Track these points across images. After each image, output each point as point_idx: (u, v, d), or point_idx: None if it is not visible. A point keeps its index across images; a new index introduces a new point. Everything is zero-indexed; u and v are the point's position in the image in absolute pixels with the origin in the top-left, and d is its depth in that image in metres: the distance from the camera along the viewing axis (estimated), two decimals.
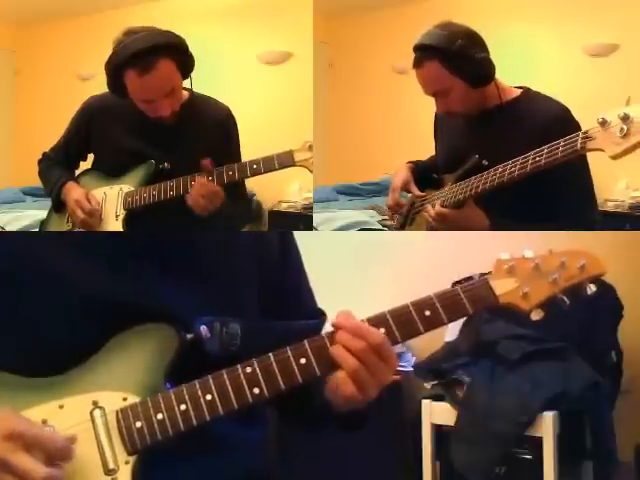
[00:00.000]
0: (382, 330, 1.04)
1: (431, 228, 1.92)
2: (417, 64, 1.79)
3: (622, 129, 1.37)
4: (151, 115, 1.85)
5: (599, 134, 1.41)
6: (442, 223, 1.81)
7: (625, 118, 1.36)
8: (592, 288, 1.07)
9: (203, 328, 1.07)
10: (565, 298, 1.05)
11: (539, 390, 2.63)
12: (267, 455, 1.20)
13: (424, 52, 1.76)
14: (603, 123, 1.40)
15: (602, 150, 1.41)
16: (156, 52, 1.73)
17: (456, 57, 1.73)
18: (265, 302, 1.21)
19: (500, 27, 4.32)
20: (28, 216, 4.17)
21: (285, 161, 1.75)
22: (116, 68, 1.77)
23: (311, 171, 1.76)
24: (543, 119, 1.74)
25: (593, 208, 1.84)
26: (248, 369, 1.02)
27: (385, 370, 1.04)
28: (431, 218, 1.83)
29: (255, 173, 1.77)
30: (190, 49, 1.82)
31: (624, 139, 1.37)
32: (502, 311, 2.71)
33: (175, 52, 1.77)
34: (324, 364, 1.03)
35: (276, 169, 1.76)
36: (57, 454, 0.94)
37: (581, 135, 1.46)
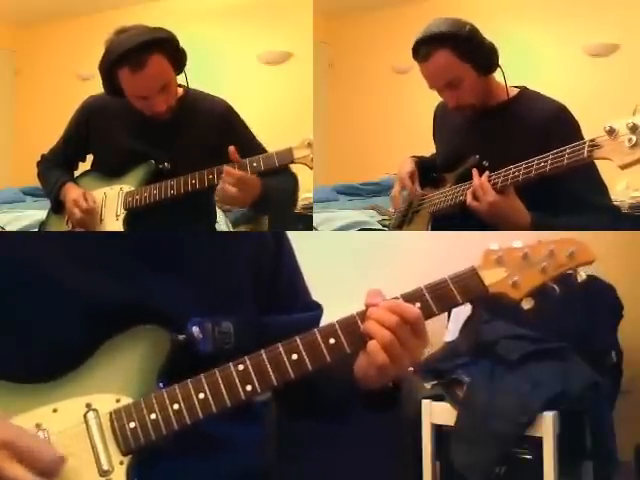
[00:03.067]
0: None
1: (431, 226, 1.92)
2: (425, 57, 1.76)
3: (631, 139, 1.35)
4: (147, 112, 1.85)
5: (607, 143, 1.39)
6: (482, 200, 1.66)
7: (634, 128, 1.34)
8: (583, 275, 1.07)
9: (195, 329, 1.07)
10: (555, 286, 1.06)
11: (539, 390, 2.63)
12: (265, 453, 1.21)
13: (434, 42, 1.73)
14: (611, 132, 1.38)
15: (610, 159, 1.39)
16: (146, 49, 1.74)
17: (466, 42, 1.71)
18: (260, 300, 1.21)
19: (500, 27, 4.31)
20: (28, 216, 4.16)
21: (284, 158, 1.75)
22: (108, 68, 1.78)
23: (311, 168, 1.75)
24: (541, 117, 1.73)
25: (607, 198, 1.79)
26: (240, 366, 1.02)
27: (417, 344, 1.05)
28: (471, 193, 1.69)
29: (255, 171, 1.76)
30: (183, 45, 1.82)
31: (633, 149, 1.35)
32: (502, 311, 2.70)
33: (166, 47, 1.78)
34: (316, 359, 1.03)
35: (276, 166, 1.76)
36: (47, 468, 0.94)
37: (588, 143, 1.44)
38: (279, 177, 1.86)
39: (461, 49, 1.72)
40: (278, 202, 1.89)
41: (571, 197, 1.70)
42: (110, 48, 1.77)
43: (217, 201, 1.76)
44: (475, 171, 1.70)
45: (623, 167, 1.38)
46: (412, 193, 2.02)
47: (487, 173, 1.68)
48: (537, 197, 1.65)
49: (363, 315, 1.06)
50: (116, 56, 1.75)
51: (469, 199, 1.69)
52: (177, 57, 1.82)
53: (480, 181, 1.67)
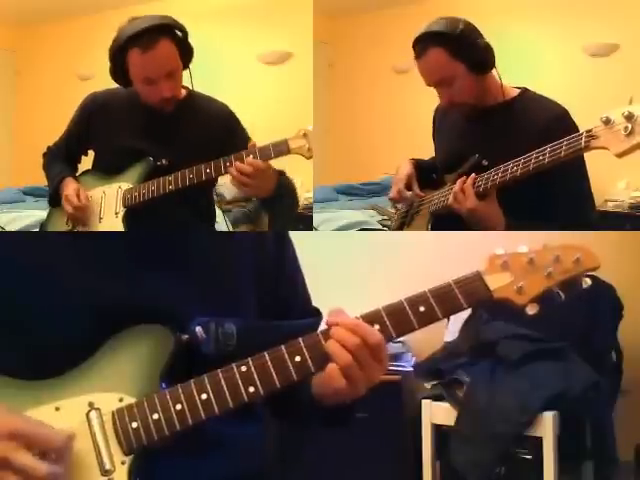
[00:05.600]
0: (376, 327, 1.04)
1: (431, 227, 1.92)
2: (420, 54, 1.80)
3: (627, 127, 1.37)
4: (153, 100, 1.87)
5: (603, 133, 1.41)
6: (462, 205, 1.73)
7: (629, 117, 1.37)
8: (587, 282, 1.06)
9: (198, 329, 1.07)
10: (560, 292, 1.05)
11: (539, 390, 2.63)
12: (266, 453, 1.20)
13: (427, 40, 1.77)
14: (607, 122, 1.40)
15: (606, 148, 1.41)
16: (157, 31, 1.79)
17: (459, 42, 1.74)
18: (262, 302, 1.21)
19: (500, 27, 4.31)
20: (28, 216, 4.16)
21: (280, 149, 1.76)
22: (119, 49, 1.82)
23: (307, 158, 1.76)
24: (542, 120, 1.74)
25: (590, 210, 1.83)
26: (243, 368, 1.02)
27: (376, 368, 1.04)
28: (453, 195, 1.75)
29: None
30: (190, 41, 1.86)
31: (628, 137, 1.37)
32: (502, 311, 2.71)
33: (175, 36, 1.82)
34: (319, 361, 1.03)
35: (272, 158, 1.77)
36: (56, 452, 0.95)
37: (585, 134, 1.46)
38: (284, 179, 1.88)
39: (453, 48, 1.75)
40: (288, 202, 1.90)
41: (555, 207, 1.73)
42: (122, 30, 1.82)
43: (236, 187, 1.78)
44: (462, 178, 1.74)
45: (619, 155, 1.40)
46: (411, 195, 2.04)
47: (473, 176, 1.72)
48: (522, 203, 1.69)
49: (326, 334, 1.05)
50: (127, 37, 1.79)
51: (451, 200, 1.75)
52: (185, 48, 1.86)
53: (463, 186, 1.72)
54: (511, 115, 1.82)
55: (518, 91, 1.86)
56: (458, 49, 1.74)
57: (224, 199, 4.43)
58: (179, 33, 1.84)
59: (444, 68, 1.77)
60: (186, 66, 1.89)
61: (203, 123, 1.94)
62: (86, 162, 2.15)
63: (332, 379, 1.04)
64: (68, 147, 2.11)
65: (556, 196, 1.73)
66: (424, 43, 1.78)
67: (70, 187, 1.96)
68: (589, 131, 1.45)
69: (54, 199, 2.02)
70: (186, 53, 1.87)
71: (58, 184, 1.99)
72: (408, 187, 2.05)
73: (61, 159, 2.09)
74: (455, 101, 1.83)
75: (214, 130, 1.94)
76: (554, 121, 1.73)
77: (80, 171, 2.12)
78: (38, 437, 0.94)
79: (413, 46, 1.81)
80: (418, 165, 2.11)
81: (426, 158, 2.18)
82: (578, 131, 1.70)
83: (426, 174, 2.07)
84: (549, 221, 1.73)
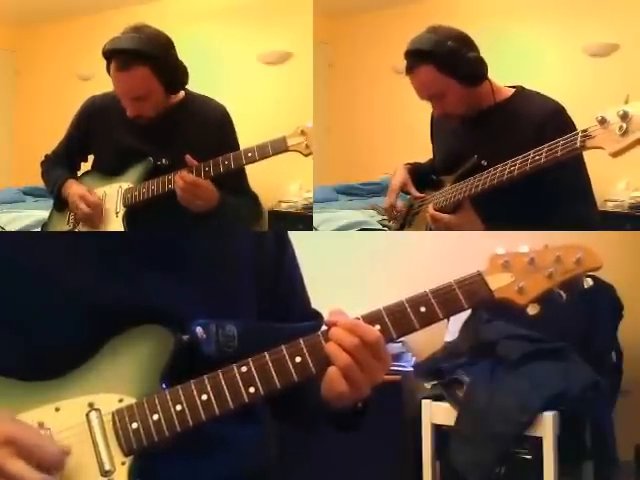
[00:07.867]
0: (377, 327, 1.04)
1: (430, 228, 1.92)
2: (410, 70, 1.81)
3: (621, 127, 1.37)
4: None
5: (598, 132, 1.42)
6: (438, 226, 1.82)
7: (624, 116, 1.37)
8: (589, 282, 1.06)
9: (199, 330, 1.06)
10: (562, 293, 1.05)
11: (539, 390, 2.63)
12: (266, 454, 1.20)
13: (416, 57, 1.78)
14: (602, 121, 1.40)
15: (602, 148, 1.42)
16: (134, 57, 1.80)
17: (448, 59, 1.74)
18: (261, 303, 1.21)
19: (500, 27, 4.31)
20: (28, 216, 4.16)
21: (278, 147, 1.78)
22: (104, 55, 1.86)
23: (305, 155, 1.78)
24: (538, 116, 1.75)
25: (590, 207, 1.83)
26: (243, 368, 1.02)
27: (378, 368, 1.04)
28: (429, 220, 1.84)
29: (250, 161, 1.80)
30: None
31: (623, 137, 1.37)
32: (502, 311, 2.72)
33: (156, 65, 1.82)
34: (319, 362, 1.03)
35: (270, 155, 1.79)
36: (50, 463, 0.94)
37: (580, 133, 1.46)
38: (240, 196, 1.94)
39: (442, 65, 1.75)
40: (234, 217, 1.92)
41: (551, 205, 1.74)
42: (114, 39, 1.84)
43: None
44: (430, 207, 1.84)
45: (614, 154, 1.40)
46: (410, 198, 2.05)
47: (437, 195, 1.81)
48: (519, 203, 1.71)
49: (326, 334, 1.05)
50: (109, 48, 1.83)
51: (430, 222, 1.84)
52: (169, 79, 1.86)
53: (430, 214, 1.83)
54: (507, 115, 1.82)
55: (513, 90, 1.86)
56: (447, 65, 1.75)
57: None
58: (160, 62, 1.82)
59: (434, 84, 1.78)
60: (172, 91, 1.90)
61: (200, 123, 1.95)
62: (84, 169, 2.16)
63: (333, 382, 1.03)
64: (69, 151, 2.11)
65: (555, 195, 1.73)
66: (413, 60, 1.79)
67: (79, 187, 1.97)
68: (585, 131, 1.45)
69: (59, 203, 2.03)
70: (170, 83, 1.87)
71: (61, 186, 2.00)
72: (405, 193, 2.07)
73: (61, 165, 2.10)
74: (448, 112, 1.85)
75: (210, 130, 1.96)
76: (549, 117, 1.74)
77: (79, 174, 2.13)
78: (34, 447, 0.93)
79: (405, 57, 1.81)
80: (416, 168, 2.12)
81: (426, 158, 2.18)
82: (574, 126, 1.71)
83: (425, 176, 2.07)
84: (547, 221, 1.72)
